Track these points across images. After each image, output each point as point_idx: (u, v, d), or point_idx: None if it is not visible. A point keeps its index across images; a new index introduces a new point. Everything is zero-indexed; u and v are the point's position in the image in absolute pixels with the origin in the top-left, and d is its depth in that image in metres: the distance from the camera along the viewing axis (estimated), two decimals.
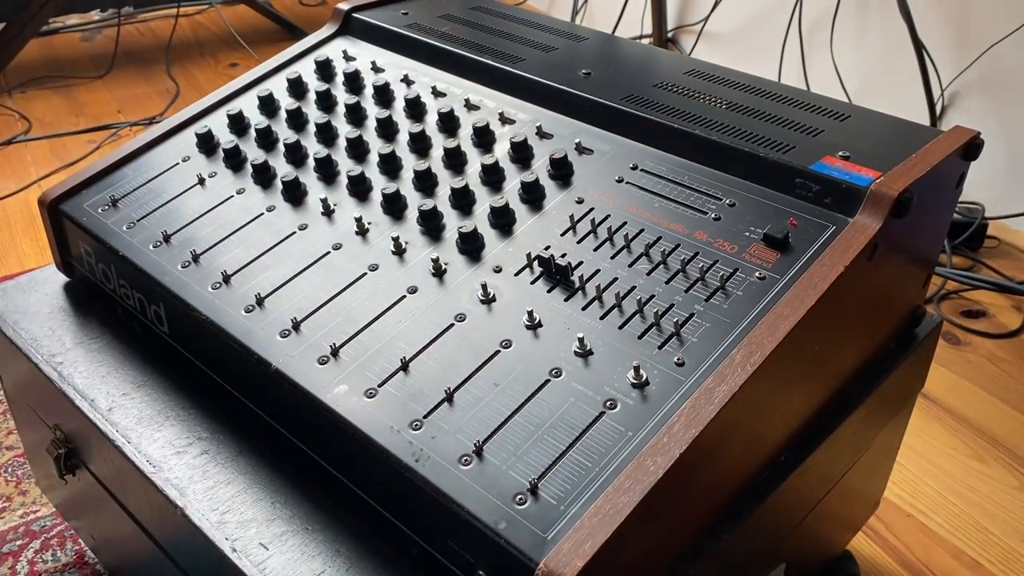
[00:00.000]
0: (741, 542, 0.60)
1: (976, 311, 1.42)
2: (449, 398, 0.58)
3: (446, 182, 0.76)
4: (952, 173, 0.72)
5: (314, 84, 0.92)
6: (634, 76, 0.84)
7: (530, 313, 0.63)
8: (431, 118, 0.84)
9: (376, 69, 0.93)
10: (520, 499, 0.52)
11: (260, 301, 0.69)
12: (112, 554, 0.90)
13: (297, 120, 0.87)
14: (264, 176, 0.81)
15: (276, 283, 0.70)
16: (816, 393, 0.66)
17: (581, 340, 0.60)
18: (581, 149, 0.77)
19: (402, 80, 0.90)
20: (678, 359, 0.58)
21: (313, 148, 0.83)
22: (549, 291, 0.65)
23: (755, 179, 0.70)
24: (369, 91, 0.90)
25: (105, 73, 2.34)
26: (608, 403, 0.56)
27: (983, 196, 1.57)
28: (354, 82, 0.91)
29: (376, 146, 0.82)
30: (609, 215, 0.70)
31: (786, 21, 1.89)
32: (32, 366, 0.78)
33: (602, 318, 0.62)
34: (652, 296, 0.63)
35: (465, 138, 0.81)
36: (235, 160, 0.84)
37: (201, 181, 0.83)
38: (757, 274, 0.63)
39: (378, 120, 0.84)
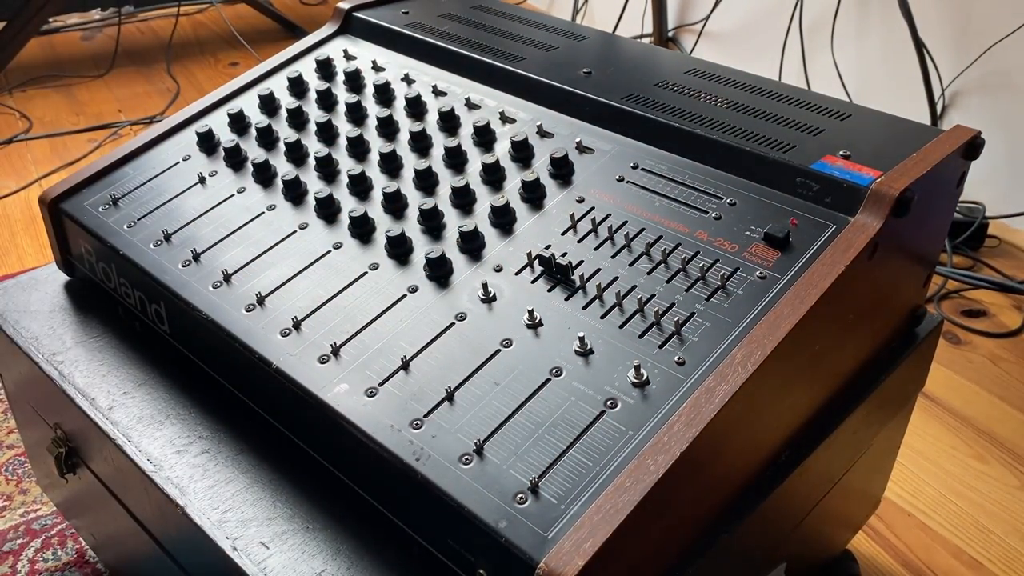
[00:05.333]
0: (742, 541, 0.60)
1: (977, 311, 1.42)
2: (450, 397, 0.58)
3: (447, 181, 0.76)
4: (953, 172, 0.72)
5: (315, 83, 0.92)
6: (635, 75, 0.84)
7: (531, 312, 0.63)
8: (431, 117, 0.84)
9: (377, 68, 0.93)
10: (521, 498, 0.52)
11: (261, 300, 0.69)
12: (113, 553, 0.90)
13: (298, 119, 0.87)
14: (265, 175, 0.81)
15: (277, 282, 0.70)
16: (817, 392, 0.66)
17: (582, 339, 0.60)
18: (582, 148, 0.77)
19: (403, 79, 0.90)
20: (679, 358, 0.58)
21: (314, 147, 0.83)
22: (550, 290, 0.65)
23: (756, 178, 0.70)
24: (370, 90, 0.90)
25: (105, 72, 2.34)
26: (609, 402, 0.56)
27: (984, 195, 1.57)
28: (355, 81, 0.91)
29: (377, 145, 0.82)
30: (610, 214, 0.70)
31: (787, 20, 1.89)
32: (33, 365, 0.78)
33: (603, 317, 0.62)
34: (653, 295, 0.63)
35: (466, 137, 0.81)
36: (236, 159, 0.84)
37: (202, 180, 0.83)
38: (758, 273, 0.63)
39: (379, 119, 0.84)
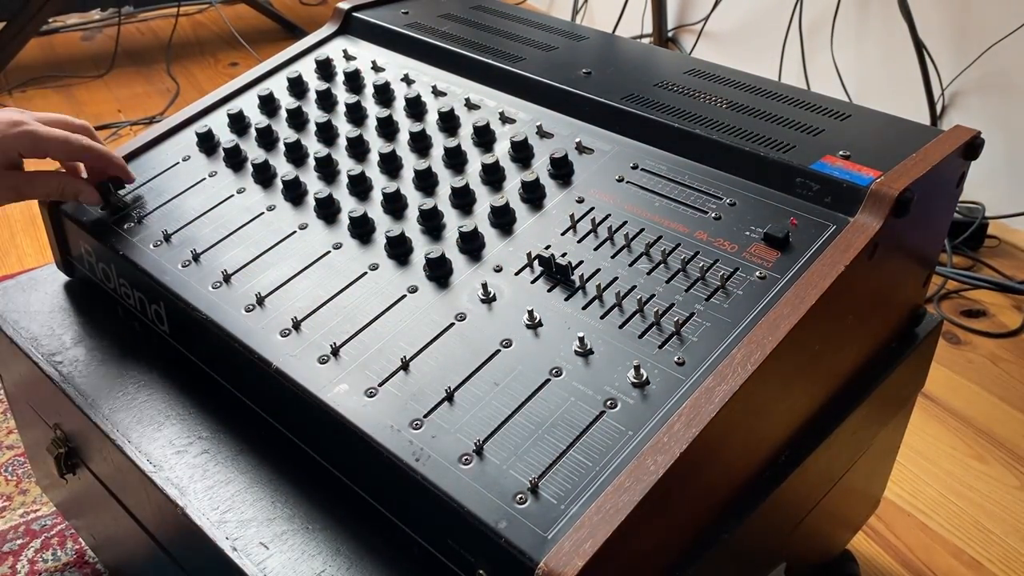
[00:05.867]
0: (742, 541, 0.60)
1: (976, 311, 1.42)
2: (449, 397, 0.58)
3: (446, 181, 0.76)
4: (952, 172, 0.72)
5: (314, 83, 0.92)
6: (634, 75, 0.84)
7: (530, 312, 0.63)
8: (431, 117, 0.84)
9: (376, 68, 0.93)
10: (520, 498, 0.52)
11: (260, 300, 0.69)
12: (112, 553, 0.90)
13: (297, 119, 0.87)
14: (264, 175, 0.81)
15: (276, 282, 0.70)
16: (816, 392, 0.66)
17: (581, 339, 0.60)
18: (581, 148, 0.77)
19: (402, 79, 0.90)
20: (678, 358, 0.58)
21: (313, 147, 0.83)
22: (549, 290, 0.65)
23: (756, 178, 0.70)
24: (369, 90, 0.90)
25: (105, 72, 2.34)
26: (608, 402, 0.56)
27: (983, 195, 1.57)
28: (354, 81, 0.91)
29: (376, 145, 0.82)
30: (609, 214, 0.70)
31: (787, 20, 1.89)
32: (32, 365, 0.78)
33: (602, 317, 0.62)
34: (652, 295, 0.63)
35: (465, 137, 0.81)
36: (235, 159, 0.84)
37: (201, 180, 0.83)
38: (757, 273, 0.63)
39: (378, 119, 0.84)
